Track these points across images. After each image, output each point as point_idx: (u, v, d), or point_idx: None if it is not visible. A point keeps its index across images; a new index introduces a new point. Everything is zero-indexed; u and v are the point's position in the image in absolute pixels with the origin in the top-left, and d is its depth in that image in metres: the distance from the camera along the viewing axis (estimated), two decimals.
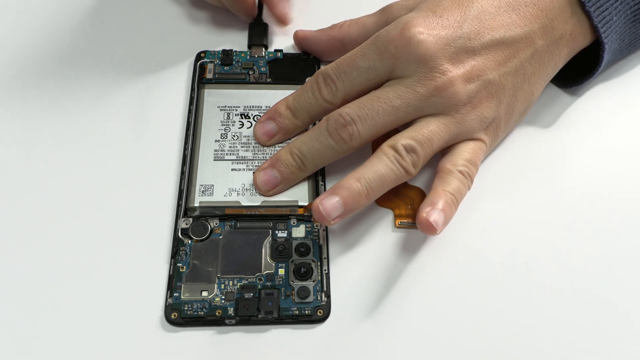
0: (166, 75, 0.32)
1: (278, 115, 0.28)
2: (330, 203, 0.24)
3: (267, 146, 0.29)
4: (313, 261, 0.26)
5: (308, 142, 0.27)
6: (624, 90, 0.33)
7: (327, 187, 0.28)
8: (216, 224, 0.26)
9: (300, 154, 0.27)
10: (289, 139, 0.29)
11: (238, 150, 0.28)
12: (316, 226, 0.27)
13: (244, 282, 0.25)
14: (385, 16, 0.30)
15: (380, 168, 0.25)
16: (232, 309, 0.24)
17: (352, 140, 0.26)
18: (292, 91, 0.30)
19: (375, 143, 0.28)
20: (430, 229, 0.24)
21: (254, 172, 0.28)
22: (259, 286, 0.25)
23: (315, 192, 0.27)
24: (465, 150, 0.27)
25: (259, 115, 0.29)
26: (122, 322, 0.24)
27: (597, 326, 0.25)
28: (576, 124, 0.31)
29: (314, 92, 0.28)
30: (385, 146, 0.26)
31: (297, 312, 0.24)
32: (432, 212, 0.25)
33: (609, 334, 0.25)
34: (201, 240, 0.26)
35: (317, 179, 0.28)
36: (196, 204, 0.26)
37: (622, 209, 0.28)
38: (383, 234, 0.27)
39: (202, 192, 0.27)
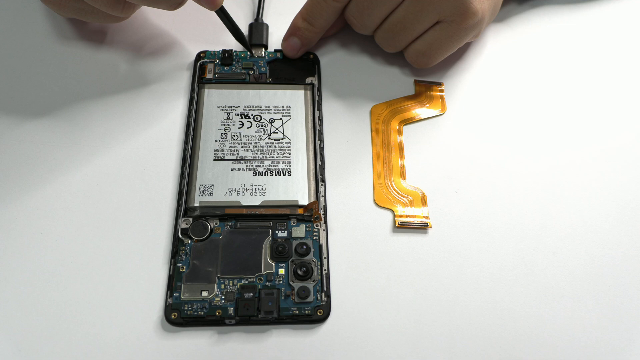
0: (166, 75, 0.32)
1: (297, 30, 0.31)
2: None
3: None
4: (313, 261, 0.26)
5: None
6: None
7: (327, 187, 0.28)
8: (216, 224, 0.26)
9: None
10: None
11: (238, 150, 0.28)
12: (316, 226, 0.27)
13: (244, 282, 0.25)
14: None
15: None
16: (232, 309, 0.24)
17: None
18: (292, 91, 0.30)
19: None
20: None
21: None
22: (259, 286, 0.25)
23: (316, 192, 0.27)
24: None
25: (259, 116, 0.29)
26: (122, 322, 0.24)
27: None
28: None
29: None
30: None
31: (297, 312, 0.24)
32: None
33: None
34: (201, 240, 0.26)
35: (317, 179, 0.28)
36: (196, 204, 0.26)
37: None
38: (383, 234, 0.27)
39: (202, 192, 0.27)
